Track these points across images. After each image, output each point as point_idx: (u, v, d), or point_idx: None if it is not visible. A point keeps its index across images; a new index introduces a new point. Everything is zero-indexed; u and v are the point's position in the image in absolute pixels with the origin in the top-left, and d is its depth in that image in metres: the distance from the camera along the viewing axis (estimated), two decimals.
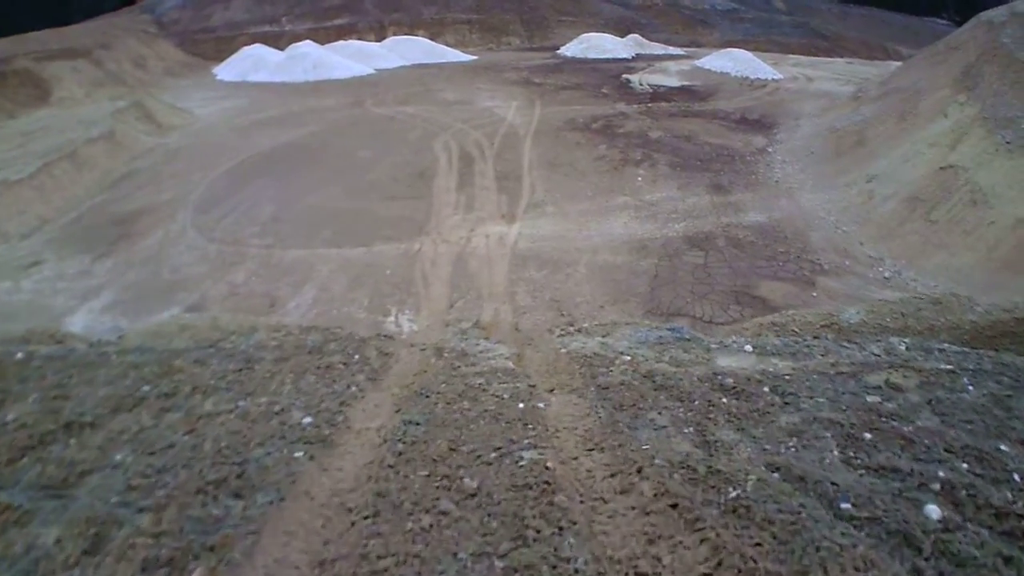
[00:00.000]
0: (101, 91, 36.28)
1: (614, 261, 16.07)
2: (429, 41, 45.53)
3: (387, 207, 19.17)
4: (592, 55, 42.87)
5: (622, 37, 46.22)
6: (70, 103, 34.04)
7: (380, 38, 46.21)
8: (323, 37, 44.74)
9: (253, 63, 40.73)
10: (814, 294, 14.59)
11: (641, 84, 34.49)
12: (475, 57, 44.16)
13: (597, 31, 47.09)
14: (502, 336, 12.79)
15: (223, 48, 45.11)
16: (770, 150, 23.60)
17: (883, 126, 21.63)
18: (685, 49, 46.95)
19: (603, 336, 11.57)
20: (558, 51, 44.72)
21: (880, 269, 15.72)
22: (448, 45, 46.09)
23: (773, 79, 35.38)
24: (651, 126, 26.15)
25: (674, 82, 35.10)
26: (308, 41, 42.12)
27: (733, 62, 38.26)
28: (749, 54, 39.61)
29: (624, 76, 36.33)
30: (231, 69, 41.26)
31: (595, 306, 14.18)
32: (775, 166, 22.01)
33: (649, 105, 29.96)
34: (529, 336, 12.62)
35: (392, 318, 13.95)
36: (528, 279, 15.20)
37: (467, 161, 22.32)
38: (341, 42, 43.45)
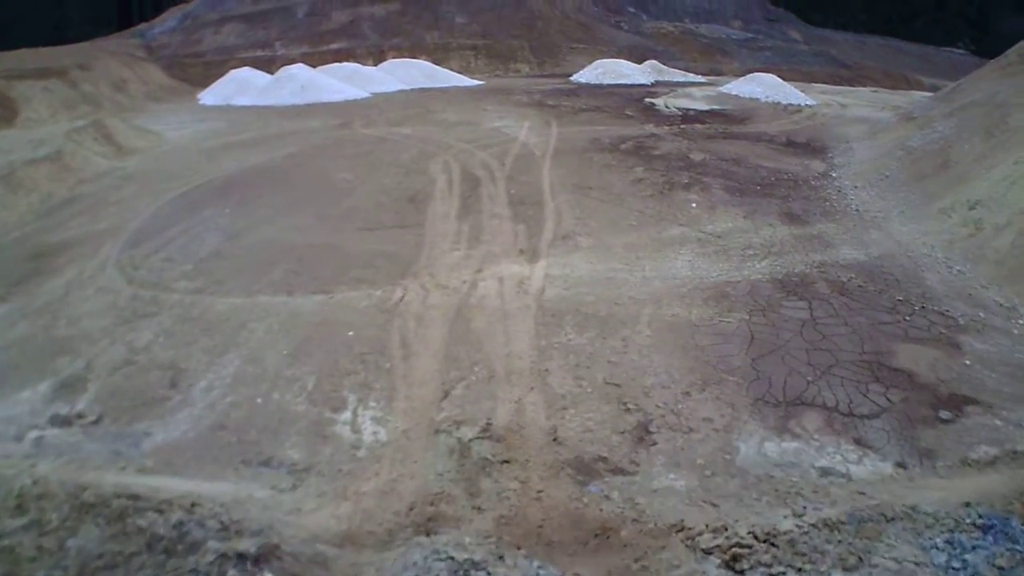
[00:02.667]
0: (69, 113, 31.84)
1: (688, 317, 10.54)
2: (431, 64, 40.07)
3: (362, 240, 13.64)
4: (608, 81, 37.36)
5: (639, 64, 41.04)
6: (35, 124, 29.73)
7: (379, 63, 40.88)
8: (318, 62, 39.34)
9: (238, 86, 35.57)
10: (966, 362, 9.61)
11: (667, 107, 29.05)
12: (481, 82, 38.73)
13: (611, 58, 41.84)
14: (530, 456, 7.39)
15: (212, 73, 39.84)
16: (833, 174, 18.58)
17: (968, 144, 17.49)
18: (706, 77, 41.90)
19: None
20: (571, 78, 39.37)
21: (1021, 321, 10.92)
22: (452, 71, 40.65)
23: (807, 104, 30.59)
24: (690, 147, 20.66)
25: (703, 106, 29.79)
26: (299, 64, 36.80)
27: (762, 87, 33.09)
28: (778, 79, 34.55)
29: (647, 100, 30.92)
30: (215, 93, 36.07)
31: (677, 393, 8.72)
32: (847, 192, 17.03)
33: (682, 127, 24.56)
34: (579, 458, 7.49)
35: (347, 416, 8.44)
36: (566, 347, 9.68)
37: (472, 183, 16.73)
38: (335, 64, 38.08)
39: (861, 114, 28.07)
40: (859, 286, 11.54)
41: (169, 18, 51.39)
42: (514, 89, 34.59)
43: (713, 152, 20.08)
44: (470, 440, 7.66)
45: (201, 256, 13.22)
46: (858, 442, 7.81)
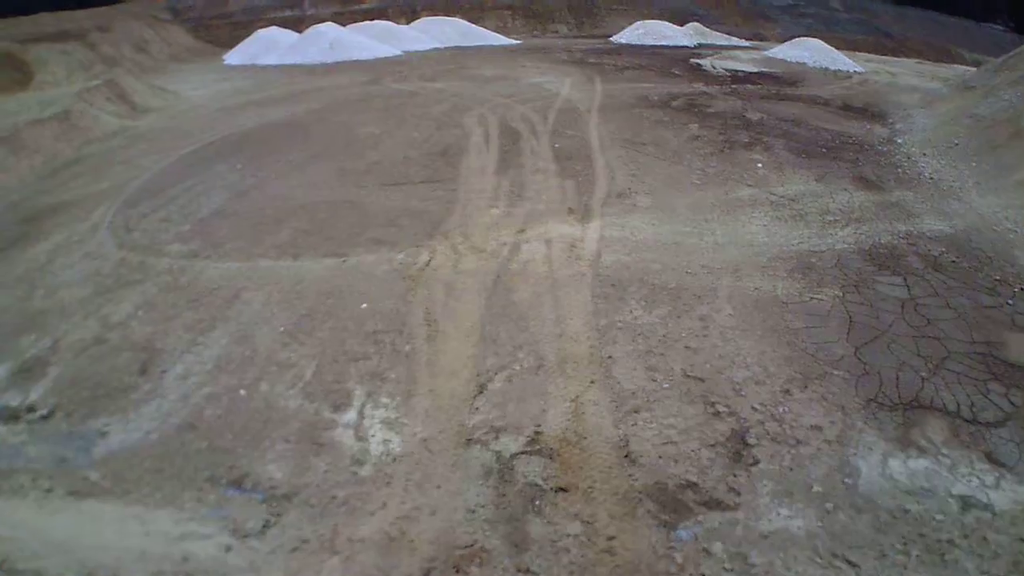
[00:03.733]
0: (87, 75, 30.04)
1: (774, 291, 8.45)
2: (466, 22, 37.67)
3: (386, 196, 11.59)
4: (650, 41, 34.81)
5: (680, 26, 38.56)
6: (51, 87, 27.90)
7: (411, 23, 38.49)
8: (349, 21, 36.98)
9: (264, 46, 33.51)
10: None
11: (714, 68, 26.72)
12: (518, 41, 36.27)
13: (652, 20, 39.36)
14: (595, 481, 5.50)
15: (238, 34, 37.60)
16: (899, 140, 16.47)
17: None
18: (748, 41, 39.30)
19: None
20: (611, 38, 36.83)
21: None
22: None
23: (856, 71, 28.53)
24: (745, 107, 18.43)
25: (751, 68, 27.41)
26: (328, 22, 34.64)
27: (810, 52, 30.93)
28: (826, 45, 32.26)
29: (692, 60, 28.58)
30: (241, 53, 34.04)
31: (775, 391, 6.65)
32: (917, 159, 14.97)
33: (733, 86, 22.23)
34: (661, 485, 5.60)
35: (350, 417, 6.48)
36: (632, 327, 7.64)
37: (511, 137, 14.59)
38: (366, 23, 35.87)
39: (912, 83, 25.94)
40: (952, 262, 9.57)
41: None
42: (553, 48, 32.36)
43: (770, 112, 17.89)
44: (513, 456, 5.67)
45: (202, 216, 11.35)
46: (990, 458, 5.99)
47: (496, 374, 6.72)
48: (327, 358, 7.09)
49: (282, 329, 7.67)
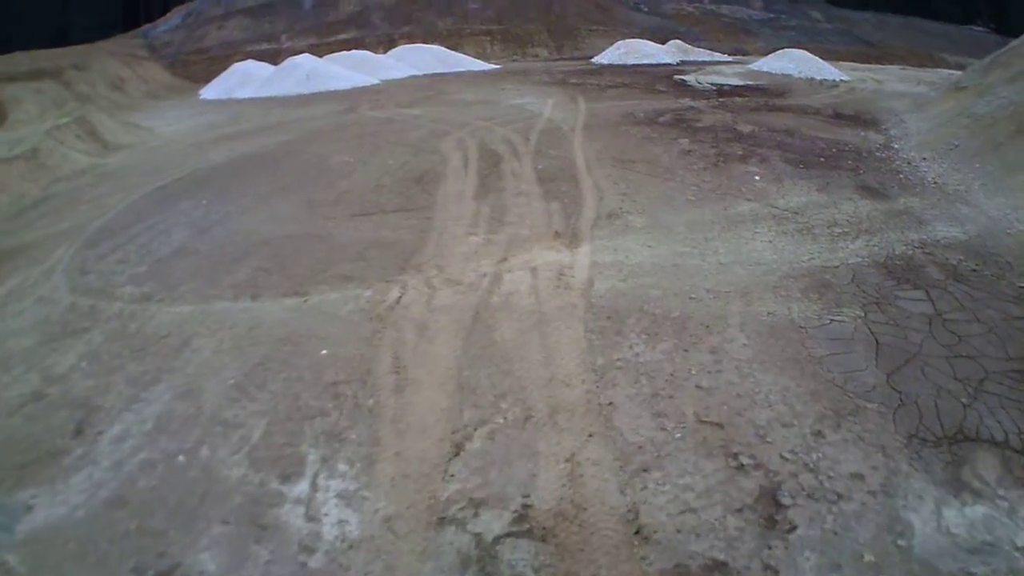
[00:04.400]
0: (59, 112, 29.17)
1: (789, 315, 7.45)
2: (443, 49, 37.08)
3: (355, 228, 10.59)
4: (632, 61, 34.27)
5: (662, 44, 37.89)
6: (23, 125, 27.14)
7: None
8: (326, 53, 36.01)
9: (240, 79, 32.98)
10: None
11: (699, 83, 25.92)
12: (498, 66, 35.55)
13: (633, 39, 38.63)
14: (601, 569, 4.44)
15: (215, 69, 37.16)
16: (895, 145, 15.60)
17: None
18: (731, 56, 38.81)
19: None
20: (592, 60, 36.17)
21: None
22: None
23: (841, 79, 28.00)
24: (735, 119, 17.55)
25: (737, 81, 26.69)
26: (305, 54, 33.87)
27: (794, 63, 30.41)
28: (810, 55, 31.74)
29: (676, 77, 27.79)
30: (216, 88, 33.45)
31: (805, 434, 5.64)
32: (917, 163, 14.10)
33: (720, 100, 21.41)
34: (683, 569, 4.52)
35: (302, 490, 5.41)
36: (634, 365, 6.59)
37: (491, 160, 13.64)
38: (342, 53, 35.25)
39: (899, 88, 25.27)
40: (972, 270, 8.68)
41: (173, 16, 48.96)
42: (533, 71, 31.65)
43: (761, 124, 17.01)
44: (496, 539, 4.56)
45: (160, 255, 10.35)
46: None
47: (475, 430, 5.65)
48: (279, 415, 6.02)
49: (232, 381, 6.61)
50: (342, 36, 41.65)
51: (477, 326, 7.29)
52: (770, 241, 9.41)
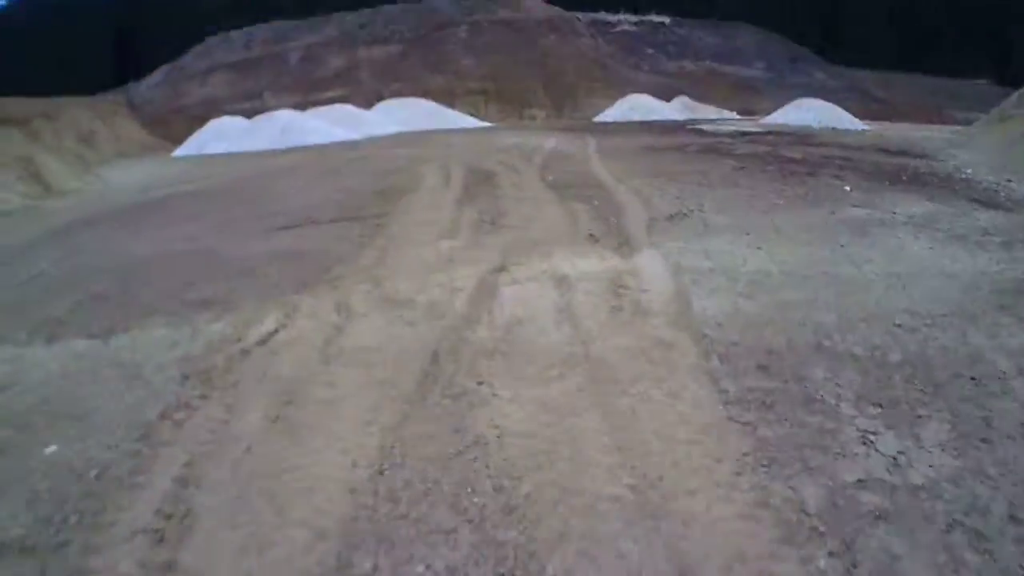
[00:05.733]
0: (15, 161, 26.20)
1: None
2: (434, 104, 33.87)
3: (265, 241, 7.14)
4: (637, 118, 30.88)
5: (667, 101, 34.80)
6: None
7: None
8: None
9: (214, 135, 29.70)
10: None
11: (718, 130, 22.55)
12: (493, 125, 32.37)
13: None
14: None
15: (195, 129, 33.05)
16: (968, 171, 12.70)
17: None
18: (739, 114, 36.04)
19: None
20: (594, 119, 32.84)
21: None
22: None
23: (864, 129, 24.99)
24: (776, 150, 14.31)
25: (757, 129, 23.47)
26: (285, 109, 31.05)
27: (813, 112, 27.28)
28: (829, 104, 28.79)
29: (689, 127, 24.56)
30: (189, 145, 30.19)
31: None
32: (1004, 185, 11.36)
33: (749, 137, 18.23)
34: None
35: None
36: (883, 488, 2.55)
37: (482, 177, 10.17)
38: (324, 107, 32.21)
39: (926, 134, 22.40)
40: None
41: (157, 73, 46.50)
42: (532, 127, 29.05)
43: (808, 152, 13.90)
44: None
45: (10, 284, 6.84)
46: None
47: None
48: None
49: None
50: (328, 93, 38.71)
51: (434, 394, 3.45)
52: (930, 248, 5.94)
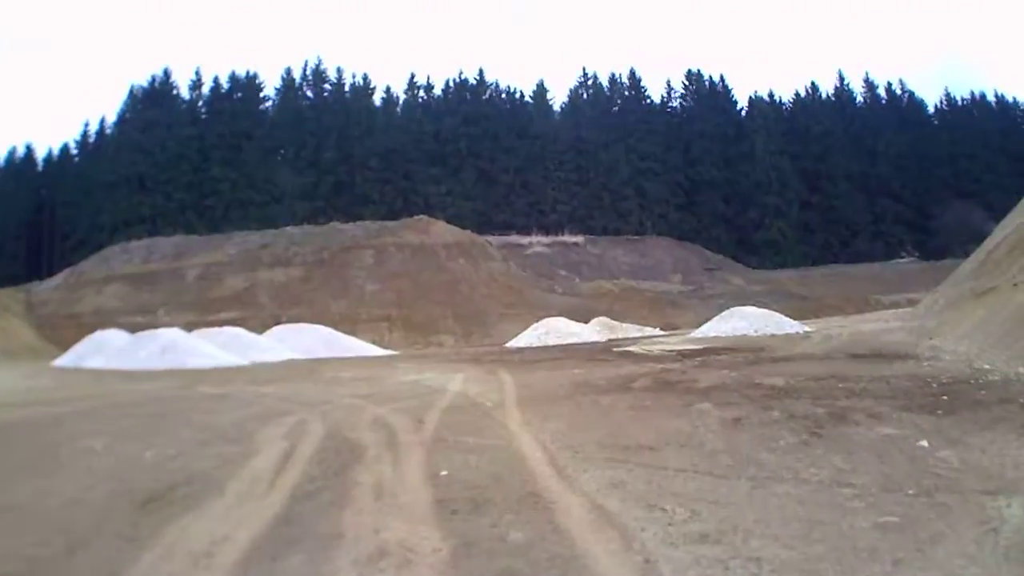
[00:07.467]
0: None
1: None
2: (331, 330, 31.17)
3: None
4: (554, 342, 28.34)
5: (585, 323, 32.46)
6: None
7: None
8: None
9: (94, 347, 27.90)
10: None
11: (650, 351, 19.55)
12: (396, 352, 29.99)
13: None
14: None
15: (84, 336, 31.15)
16: (985, 367, 10.40)
17: None
18: (663, 330, 34.31)
19: None
20: (506, 345, 30.35)
21: None
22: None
23: (806, 331, 23.44)
24: (748, 375, 11.29)
25: (692, 346, 20.52)
26: (174, 328, 28.08)
27: (747, 320, 25.28)
28: (763, 310, 27.22)
29: (615, 349, 21.71)
30: (69, 356, 28.75)
31: None
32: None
33: (698, 359, 15.15)
34: None
35: None
36: None
37: (339, 459, 6.46)
38: (213, 329, 29.33)
39: (872, 328, 21.32)
40: None
41: (59, 275, 45.62)
42: (438, 355, 25.99)
43: (788, 375, 10.96)
44: None
45: None
46: None
47: None
48: None
49: None
50: (224, 314, 36.54)
51: None
52: None
